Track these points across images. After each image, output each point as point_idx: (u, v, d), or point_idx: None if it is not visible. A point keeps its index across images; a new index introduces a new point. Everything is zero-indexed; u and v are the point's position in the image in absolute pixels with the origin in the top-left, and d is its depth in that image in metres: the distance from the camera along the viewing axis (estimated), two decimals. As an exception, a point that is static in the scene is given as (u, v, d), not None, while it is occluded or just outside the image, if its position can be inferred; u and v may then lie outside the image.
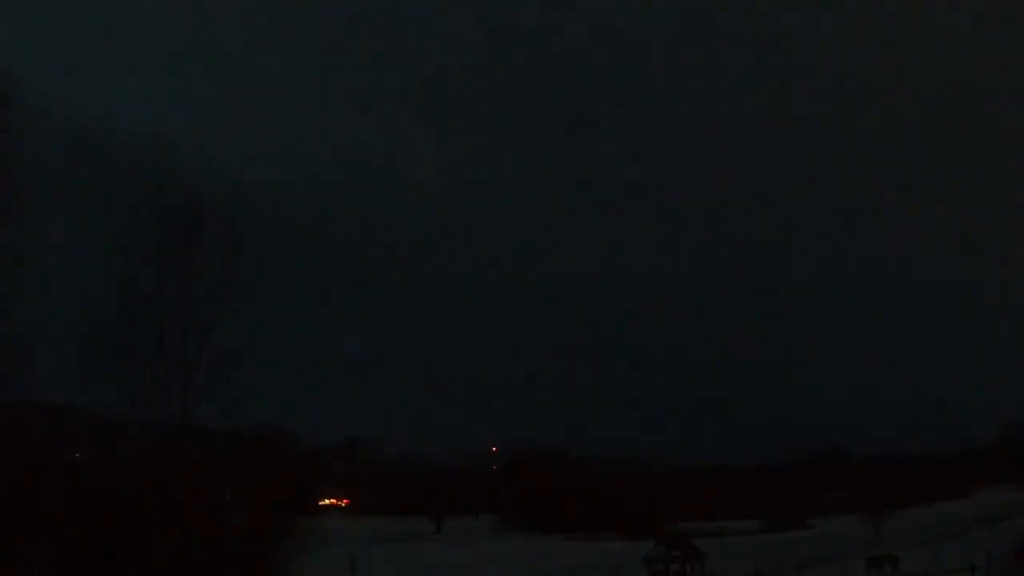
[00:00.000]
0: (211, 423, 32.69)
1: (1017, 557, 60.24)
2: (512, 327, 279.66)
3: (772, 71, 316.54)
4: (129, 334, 31.04)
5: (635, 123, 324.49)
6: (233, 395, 31.36)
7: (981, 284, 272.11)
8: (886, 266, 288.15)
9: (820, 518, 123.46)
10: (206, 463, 34.10)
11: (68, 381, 32.16)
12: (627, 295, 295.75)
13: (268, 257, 33.67)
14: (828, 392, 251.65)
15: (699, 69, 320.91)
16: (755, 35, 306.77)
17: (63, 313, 31.63)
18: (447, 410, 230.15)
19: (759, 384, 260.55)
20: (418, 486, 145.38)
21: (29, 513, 29.29)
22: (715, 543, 78.92)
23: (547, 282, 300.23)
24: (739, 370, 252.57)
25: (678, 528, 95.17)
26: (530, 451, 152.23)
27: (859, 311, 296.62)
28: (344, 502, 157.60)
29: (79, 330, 31.11)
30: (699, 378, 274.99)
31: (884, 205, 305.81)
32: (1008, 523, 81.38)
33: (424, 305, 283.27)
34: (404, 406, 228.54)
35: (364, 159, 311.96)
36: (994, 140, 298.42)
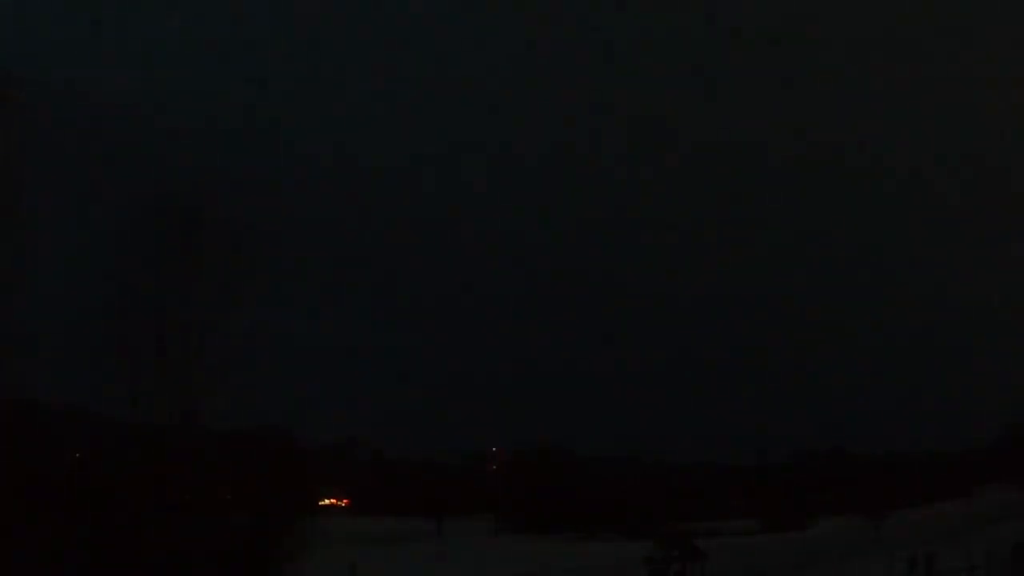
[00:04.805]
0: (211, 423, 32.69)
1: (1017, 557, 60.19)
2: (512, 326, 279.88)
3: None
4: (129, 334, 31.03)
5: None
6: (233, 395, 31.37)
7: (982, 283, 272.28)
8: (887, 265, 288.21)
9: (820, 518, 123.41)
10: (206, 463, 34.09)
11: (68, 381, 32.17)
12: (628, 295, 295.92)
13: (268, 257, 33.66)
14: (828, 392, 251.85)
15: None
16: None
17: (63, 313, 31.63)
18: (447, 410, 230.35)
19: (759, 383, 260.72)
20: (418, 486, 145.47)
21: (28, 514, 29.28)
22: (715, 543, 78.94)
23: (548, 281, 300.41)
24: (739, 370, 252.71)
25: (678, 528, 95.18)
26: (530, 451, 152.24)
27: (860, 311, 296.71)
28: (344, 502, 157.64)
29: (79, 330, 31.11)
30: (699, 377, 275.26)
31: (886, 204, 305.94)
32: (1008, 523, 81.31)
33: (424, 304, 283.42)
34: (404, 406, 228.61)
35: (366, 153, 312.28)
36: (995, 141, 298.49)
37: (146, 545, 30.21)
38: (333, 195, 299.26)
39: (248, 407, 32.05)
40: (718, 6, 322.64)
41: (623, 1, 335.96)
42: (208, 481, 34.58)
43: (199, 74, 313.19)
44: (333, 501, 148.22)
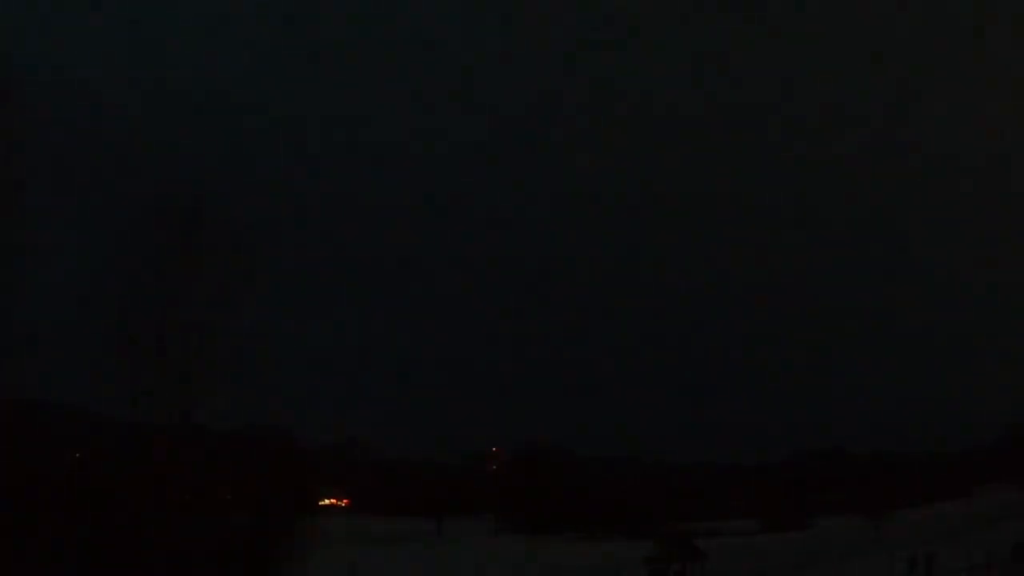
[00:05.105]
0: (211, 423, 32.67)
1: (1017, 557, 60.19)
2: (512, 326, 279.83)
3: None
4: (129, 334, 30.99)
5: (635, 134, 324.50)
6: (233, 395, 31.33)
7: (982, 283, 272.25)
8: (887, 266, 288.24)
9: (820, 518, 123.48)
10: (206, 463, 34.07)
11: (68, 381, 32.17)
12: (628, 295, 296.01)
13: (268, 257, 33.62)
14: (828, 392, 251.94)
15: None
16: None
17: (63, 313, 31.61)
18: (447, 410, 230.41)
19: (759, 383, 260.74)
20: (418, 486, 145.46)
21: (28, 514, 29.27)
22: (715, 543, 78.89)
23: (547, 281, 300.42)
24: (739, 369, 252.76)
25: (678, 528, 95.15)
26: (530, 451, 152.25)
27: (860, 311, 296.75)
28: (344, 502, 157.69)
29: (79, 330, 31.09)
30: (699, 377, 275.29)
31: (887, 204, 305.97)
32: (1008, 523, 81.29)
33: (424, 304, 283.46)
34: (404, 406, 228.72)
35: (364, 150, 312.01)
36: (995, 141, 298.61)
37: (146, 545, 30.19)
38: (333, 195, 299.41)
39: (248, 407, 32.02)
40: (718, 5, 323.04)
41: (623, 1, 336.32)
42: (208, 481, 34.56)
43: (199, 74, 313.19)
44: (333, 501, 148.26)
